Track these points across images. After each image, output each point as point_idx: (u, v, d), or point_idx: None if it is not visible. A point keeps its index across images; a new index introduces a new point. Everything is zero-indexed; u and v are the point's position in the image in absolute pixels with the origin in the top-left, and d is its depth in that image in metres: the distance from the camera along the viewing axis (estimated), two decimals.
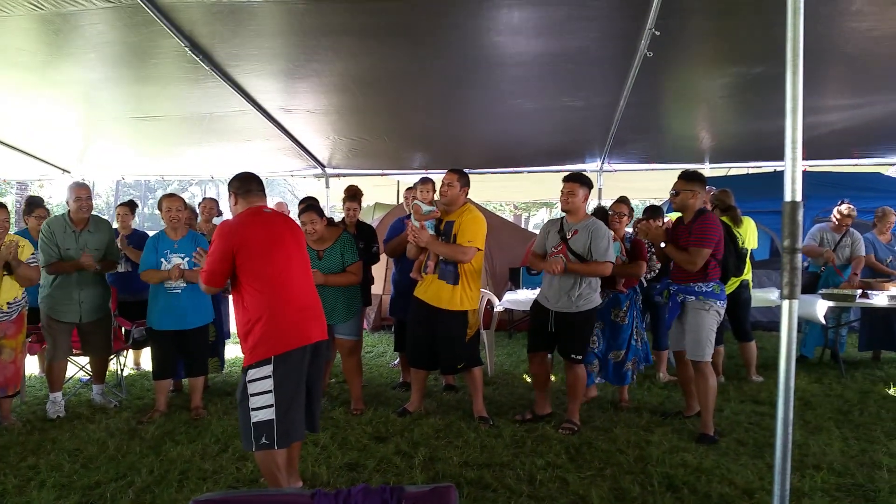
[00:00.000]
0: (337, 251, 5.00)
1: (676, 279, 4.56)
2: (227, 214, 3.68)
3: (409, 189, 6.28)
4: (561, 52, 4.66)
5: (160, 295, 4.98)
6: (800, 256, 2.38)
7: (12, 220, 4.81)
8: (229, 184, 3.47)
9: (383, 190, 10.52)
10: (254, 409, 3.11)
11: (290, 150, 7.21)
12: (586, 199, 4.69)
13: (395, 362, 6.85)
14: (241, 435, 3.24)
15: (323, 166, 7.87)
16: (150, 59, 4.79)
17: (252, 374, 3.13)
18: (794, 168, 2.37)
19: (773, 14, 3.19)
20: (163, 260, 4.97)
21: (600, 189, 7.49)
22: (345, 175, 8.13)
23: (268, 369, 3.13)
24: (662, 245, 4.64)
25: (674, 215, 5.20)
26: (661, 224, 5.22)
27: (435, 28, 4.36)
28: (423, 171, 7.87)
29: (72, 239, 5.07)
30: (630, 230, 5.41)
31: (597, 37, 4.52)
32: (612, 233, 5.00)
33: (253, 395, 3.12)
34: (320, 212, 4.98)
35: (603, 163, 7.37)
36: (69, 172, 7.94)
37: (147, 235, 6.44)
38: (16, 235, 4.91)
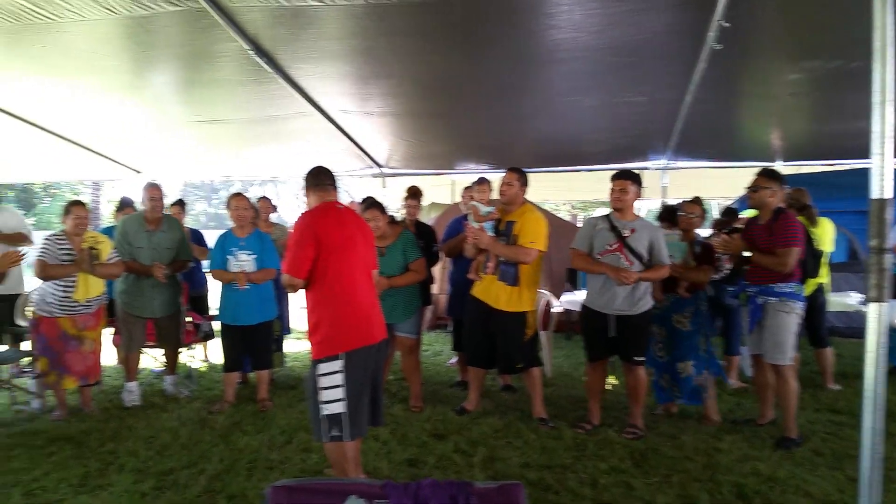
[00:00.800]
0: (399, 248, 5.04)
1: (754, 280, 4.39)
2: (284, 212, 3.79)
3: (466, 189, 6.28)
4: (622, 46, 4.55)
5: (229, 292, 5.14)
6: (889, 257, 2.27)
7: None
8: (305, 178, 3.53)
9: (439, 190, 10.56)
10: (324, 403, 3.16)
11: (348, 151, 7.29)
12: (637, 196, 4.59)
13: (453, 361, 6.87)
14: (311, 427, 3.30)
15: (380, 166, 7.95)
16: (216, 63, 4.89)
17: (323, 368, 3.18)
18: (881, 164, 2.26)
19: (856, 3, 3.04)
20: (229, 257, 5.12)
21: (664, 187, 7.31)
22: (401, 175, 8.19)
23: (338, 364, 3.18)
24: (747, 254, 4.46)
25: (749, 212, 5.03)
26: (735, 226, 5.02)
27: (495, 28, 4.33)
28: (479, 171, 7.87)
29: (145, 238, 5.27)
30: (702, 232, 5.13)
31: (661, 30, 4.40)
32: (680, 233, 4.89)
33: (323, 388, 3.17)
34: (383, 209, 5.03)
35: (668, 160, 7.19)
36: (140, 173, 8.25)
37: (200, 233, 6.69)
38: (95, 233, 5.14)
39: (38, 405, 5.14)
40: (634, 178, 4.55)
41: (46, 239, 4.87)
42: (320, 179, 3.49)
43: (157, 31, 4.29)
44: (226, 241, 5.19)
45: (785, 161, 7.20)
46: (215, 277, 5.21)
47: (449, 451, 4.16)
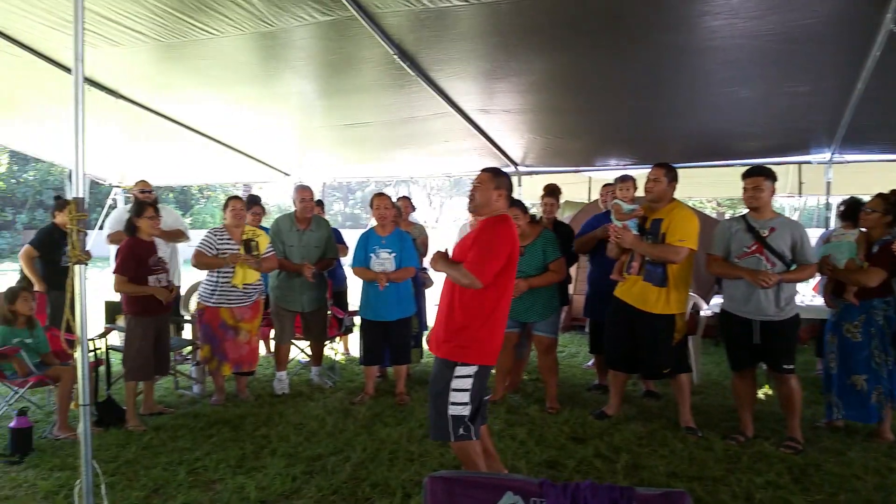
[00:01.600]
0: (539, 248, 4.98)
1: None
2: (422, 211, 3.81)
3: (605, 186, 6.10)
4: (784, 32, 4.20)
5: (370, 289, 5.31)
6: None
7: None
8: (500, 177, 3.37)
9: (575, 188, 10.30)
10: (453, 403, 3.16)
11: (484, 150, 7.31)
12: (773, 193, 4.28)
13: (590, 363, 6.70)
14: (432, 425, 3.28)
15: (516, 164, 7.90)
16: (360, 68, 5.05)
17: (459, 371, 3.17)
18: None
19: None
20: (371, 255, 5.29)
21: (829, 182, 6.71)
22: (537, 173, 8.10)
23: (472, 370, 3.18)
24: None
25: None
26: None
27: (643, 17, 4.15)
28: (619, 168, 7.62)
29: (296, 236, 5.58)
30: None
31: (828, 12, 4.02)
32: (857, 233, 4.46)
33: (455, 390, 3.16)
34: (524, 208, 5.00)
35: (833, 153, 6.58)
36: (289, 175, 8.74)
37: (339, 231, 6.96)
38: (254, 227, 5.52)
39: (198, 390, 5.58)
40: (768, 174, 4.24)
41: (208, 232, 5.30)
42: (510, 186, 3.40)
43: (306, 41, 4.49)
44: (368, 240, 5.38)
45: None
46: (357, 275, 5.41)
47: (589, 456, 4.06)
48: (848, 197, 5.12)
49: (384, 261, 5.27)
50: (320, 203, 7.11)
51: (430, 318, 6.93)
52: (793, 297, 4.23)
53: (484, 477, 1.70)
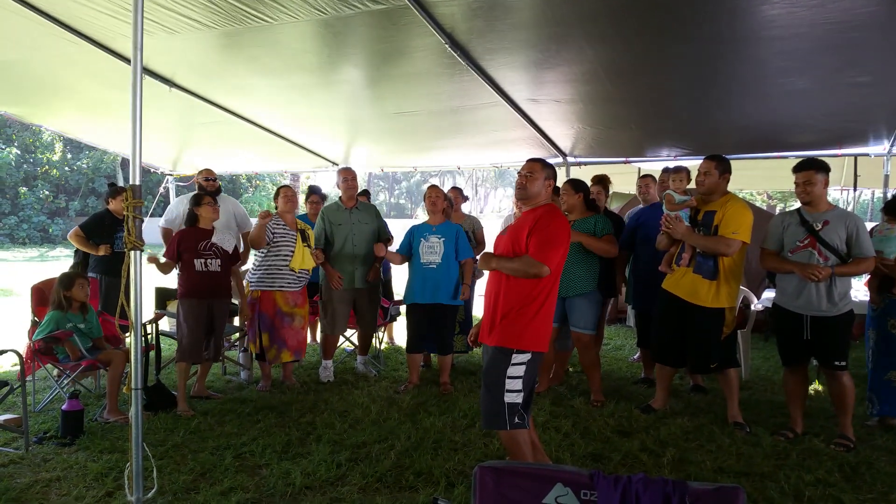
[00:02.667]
0: (589, 223, 5.02)
1: None
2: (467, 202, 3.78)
3: (642, 178, 6.03)
4: (845, 20, 4.05)
5: (416, 272, 5.37)
6: None
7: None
8: (549, 168, 3.39)
9: (623, 178, 10.13)
10: (508, 391, 3.14)
11: (533, 140, 7.24)
12: (826, 185, 4.16)
13: (635, 356, 6.62)
14: (485, 414, 3.24)
15: (564, 155, 7.81)
16: (411, 57, 5.05)
17: (516, 358, 3.15)
18: None
19: None
20: (422, 239, 5.36)
21: (887, 176, 6.47)
22: (586, 164, 7.99)
23: (526, 357, 3.16)
24: None
25: None
26: None
27: (698, 5, 4.05)
28: (669, 159, 7.46)
29: (344, 215, 5.69)
30: None
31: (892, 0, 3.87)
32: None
33: (510, 377, 3.15)
34: (577, 186, 5.14)
35: (892, 145, 6.33)
36: (337, 165, 8.82)
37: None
38: (302, 222, 5.58)
39: (245, 376, 5.69)
40: (820, 167, 4.12)
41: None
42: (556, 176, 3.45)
43: (359, 29, 4.51)
44: (419, 228, 5.48)
45: None
46: (389, 258, 5.56)
47: (635, 450, 4.01)
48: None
49: (433, 244, 5.30)
50: (366, 193, 7.15)
51: (477, 309, 7.02)
52: (847, 293, 4.10)
53: (534, 468, 1.69)
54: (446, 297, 5.34)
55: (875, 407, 4.48)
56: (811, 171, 4.10)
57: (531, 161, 3.39)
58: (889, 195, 6.11)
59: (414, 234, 5.43)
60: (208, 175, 6.18)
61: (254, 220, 5.85)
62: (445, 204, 5.53)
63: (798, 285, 4.13)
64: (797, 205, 4.37)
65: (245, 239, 6.38)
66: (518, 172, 3.43)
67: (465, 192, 6.91)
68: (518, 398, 3.15)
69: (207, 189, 5.81)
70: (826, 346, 4.11)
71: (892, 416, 4.46)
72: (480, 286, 6.17)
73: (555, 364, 5.61)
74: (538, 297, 3.18)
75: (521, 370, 3.16)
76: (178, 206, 6.50)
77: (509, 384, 3.15)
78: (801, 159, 4.26)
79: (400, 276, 7.73)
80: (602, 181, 5.75)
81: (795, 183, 4.19)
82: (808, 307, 4.10)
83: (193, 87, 5.97)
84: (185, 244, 4.89)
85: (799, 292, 4.13)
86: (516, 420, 3.15)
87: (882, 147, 6.46)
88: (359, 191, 7.11)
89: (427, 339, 5.49)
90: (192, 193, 5.82)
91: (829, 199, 4.97)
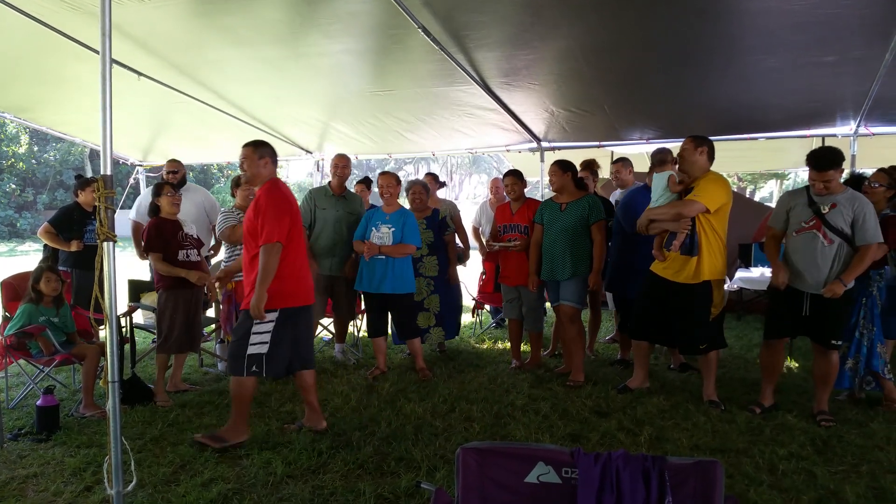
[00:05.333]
0: (583, 206, 5.07)
1: None
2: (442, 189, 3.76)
3: (615, 162, 6.10)
4: (813, 2, 4.12)
5: (364, 262, 5.38)
6: None
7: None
8: (263, 146, 3.97)
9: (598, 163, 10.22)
10: (252, 344, 3.76)
11: (507, 125, 7.24)
12: (842, 173, 4.15)
13: (608, 338, 6.73)
14: (229, 358, 3.97)
15: (539, 140, 7.83)
16: (388, 33, 4.92)
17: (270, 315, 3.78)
18: None
19: None
20: (373, 229, 5.35)
21: (853, 156, 6.58)
22: (560, 148, 8.01)
23: (274, 315, 3.78)
24: None
25: None
26: None
27: None
28: (642, 142, 7.53)
29: (331, 201, 5.69)
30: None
31: None
32: None
33: (256, 332, 3.78)
34: (565, 167, 5.20)
35: (858, 126, 6.46)
36: (311, 153, 8.74)
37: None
38: None
39: (222, 367, 5.63)
40: (834, 164, 4.02)
41: (225, 211, 5.41)
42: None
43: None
44: (373, 216, 5.44)
45: None
46: (354, 247, 5.48)
47: (613, 429, 4.07)
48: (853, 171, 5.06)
49: (383, 235, 5.29)
50: (368, 181, 7.05)
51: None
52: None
53: (516, 447, 1.71)
54: (391, 287, 5.30)
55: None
56: (829, 172, 4.02)
57: (243, 147, 3.90)
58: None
59: (369, 221, 5.42)
60: (171, 167, 6.11)
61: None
62: (398, 189, 5.53)
63: (805, 265, 4.14)
64: (768, 186, 4.42)
65: (214, 231, 6.35)
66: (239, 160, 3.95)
67: (441, 178, 6.90)
68: (262, 349, 3.74)
69: (169, 181, 5.73)
70: (824, 325, 4.15)
71: (835, 387, 4.47)
72: (463, 274, 6.24)
73: (531, 347, 5.67)
74: (284, 266, 3.76)
75: (269, 326, 3.75)
76: (148, 198, 6.41)
77: (254, 338, 3.74)
78: (818, 154, 4.12)
79: None
80: (590, 166, 5.79)
81: (813, 183, 4.12)
82: (810, 284, 4.14)
83: (166, 63, 5.73)
84: (166, 235, 4.81)
85: (799, 274, 4.17)
86: (253, 368, 3.74)
87: (849, 127, 6.58)
88: (360, 178, 7.05)
89: (384, 326, 5.54)
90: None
91: (799, 179, 5.04)
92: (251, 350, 3.73)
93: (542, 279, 5.27)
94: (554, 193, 5.31)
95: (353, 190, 6.37)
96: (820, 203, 4.12)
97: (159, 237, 4.78)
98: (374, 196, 6.48)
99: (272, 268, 3.69)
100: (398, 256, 5.27)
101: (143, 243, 4.89)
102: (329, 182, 5.85)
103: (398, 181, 5.55)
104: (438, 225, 5.89)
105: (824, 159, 4.05)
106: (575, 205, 5.11)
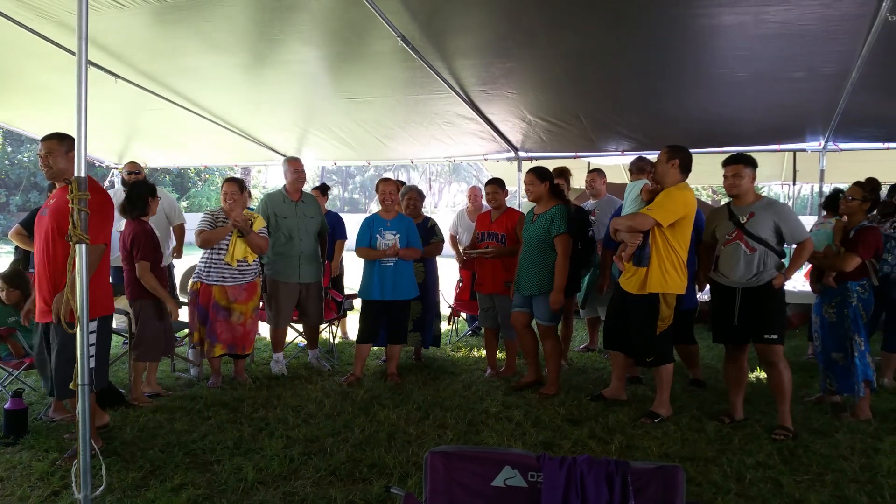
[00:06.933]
0: (546, 218, 5.02)
1: None
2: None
3: (590, 172, 6.19)
4: (783, 19, 4.23)
5: (372, 269, 5.39)
6: None
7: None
8: (67, 139, 3.64)
9: (575, 173, 10.31)
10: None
11: (485, 134, 7.30)
12: (753, 179, 4.32)
13: (582, 346, 6.80)
14: (60, 384, 3.67)
15: (516, 150, 7.90)
16: (363, 39, 4.95)
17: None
18: None
19: None
20: (377, 236, 5.36)
21: (822, 171, 6.74)
22: (537, 158, 8.09)
23: (94, 325, 3.60)
24: None
25: None
26: None
27: None
28: (617, 154, 7.64)
29: (290, 208, 5.65)
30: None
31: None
32: (835, 221, 4.58)
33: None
34: (542, 176, 5.16)
35: (827, 142, 6.61)
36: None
37: (339, 216, 6.95)
38: (251, 211, 5.51)
39: (195, 373, 5.59)
40: (748, 161, 4.29)
41: (206, 212, 5.35)
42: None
43: (313, 4, 4.41)
44: (373, 223, 5.44)
45: None
46: (361, 255, 5.44)
47: (584, 437, 4.11)
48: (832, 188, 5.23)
49: (390, 241, 5.32)
50: (324, 188, 7.07)
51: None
52: (769, 266, 4.20)
53: (483, 451, 1.73)
54: (399, 294, 5.39)
55: (834, 384, 4.62)
56: (739, 165, 4.25)
57: (47, 140, 3.68)
58: (826, 190, 6.39)
59: (371, 229, 5.43)
60: (131, 168, 6.07)
61: (197, 215, 5.73)
62: (398, 197, 5.55)
63: (733, 273, 4.26)
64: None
65: (177, 232, 6.31)
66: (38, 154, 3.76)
67: (420, 186, 6.95)
68: (93, 363, 3.52)
69: (130, 182, 5.70)
70: (756, 318, 4.21)
71: (848, 392, 4.55)
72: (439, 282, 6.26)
73: (507, 355, 5.70)
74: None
75: (93, 338, 3.55)
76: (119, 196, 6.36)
77: (91, 350, 3.50)
78: (729, 154, 4.44)
79: (350, 270, 7.74)
80: (563, 174, 5.85)
81: (724, 176, 4.34)
82: (736, 279, 4.27)
83: (143, 70, 5.76)
84: (155, 243, 4.80)
85: (728, 270, 4.29)
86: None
87: (818, 143, 6.73)
88: (315, 185, 7.08)
89: (377, 333, 5.53)
90: (114, 190, 5.68)
91: (772, 193, 5.16)
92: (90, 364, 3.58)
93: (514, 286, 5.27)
94: (531, 203, 5.32)
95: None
96: (738, 214, 4.26)
97: (153, 247, 4.73)
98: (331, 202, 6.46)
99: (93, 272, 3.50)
100: (410, 259, 5.38)
101: (131, 250, 4.68)
102: (284, 186, 5.77)
103: (398, 188, 5.58)
104: (427, 232, 5.90)
105: (732, 157, 4.35)
106: (542, 216, 5.07)
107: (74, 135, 2.57)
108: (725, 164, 4.34)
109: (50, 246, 3.63)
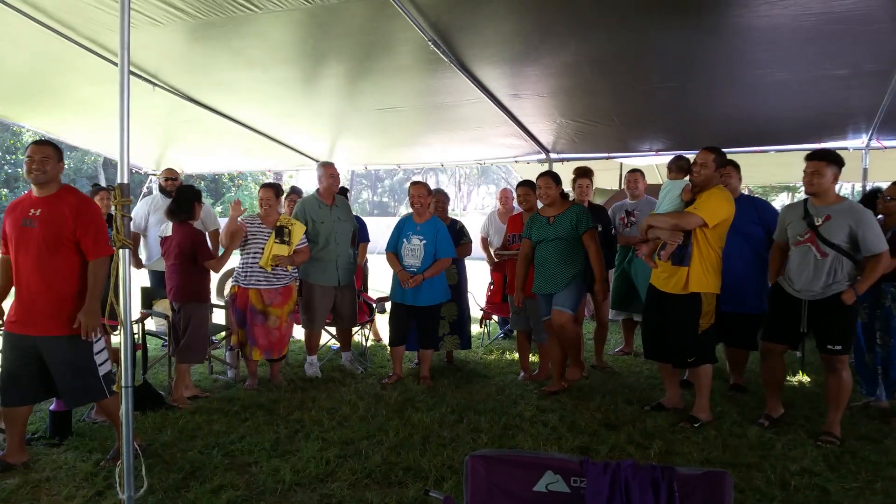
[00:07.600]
0: (569, 217, 5.02)
1: None
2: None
3: (630, 172, 6.10)
4: (825, 12, 4.12)
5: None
6: None
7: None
8: (57, 149, 3.62)
9: (606, 175, 10.22)
10: (100, 365, 3.67)
11: (515, 136, 7.26)
12: (836, 178, 4.10)
13: (618, 349, 6.73)
14: (78, 393, 3.65)
15: (547, 151, 7.83)
16: (394, 51, 5.00)
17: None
18: None
19: None
20: (404, 240, 5.37)
21: (865, 169, 6.55)
22: (568, 159, 8.02)
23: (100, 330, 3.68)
24: None
25: None
26: None
27: None
28: (650, 154, 7.53)
29: (325, 212, 5.70)
30: None
31: None
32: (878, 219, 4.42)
33: (97, 352, 3.66)
34: (556, 179, 5.20)
35: (870, 139, 6.43)
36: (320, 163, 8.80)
37: (363, 221, 6.97)
38: (289, 217, 5.55)
39: (231, 375, 5.67)
40: (831, 159, 4.07)
41: (241, 219, 5.36)
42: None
43: (343, 19, 4.43)
44: (404, 225, 5.46)
45: None
46: (388, 261, 5.47)
47: (622, 442, 4.06)
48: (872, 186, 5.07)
49: (415, 247, 5.33)
50: (344, 191, 7.11)
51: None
52: (843, 277, 4.03)
53: (524, 455, 1.72)
54: (430, 299, 5.39)
55: (863, 389, 4.60)
56: (822, 163, 4.03)
57: (37, 145, 3.59)
58: (868, 188, 6.22)
59: (400, 232, 5.46)
60: (168, 174, 6.15)
61: (223, 220, 5.82)
62: (430, 200, 5.56)
63: (799, 267, 4.13)
64: (779, 199, 4.42)
65: (212, 237, 6.39)
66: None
67: (449, 189, 6.93)
68: (108, 367, 3.68)
69: (167, 189, 5.78)
70: (821, 330, 4.09)
71: (871, 395, 4.57)
72: (471, 285, 6.26)
73: (540, 358, 5.66)
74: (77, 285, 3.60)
75: (102, 344, 3.66)
76: (144, 207, 6.51)
77: (98, 358, 3.63)
78: (811, 150, 4.21)
79: (376, 272, 7.76)
80: (587, 173, 5.80)
81: (804, 172, 4.13)
82: (804, 290, 4.12)
83: (178, 84, 5.91)
84: (207, 242, 5.01)
85: (800, 283, 4.13)
86: (113, 388, 3.59)
87: (860, 140, 6.55)
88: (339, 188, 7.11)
89: (408, 335, 5.56)
90: (152, 196, 5.76)
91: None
92: (102, 371, 3.64)
93: (535, 293, 5.21)
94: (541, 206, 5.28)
95: (283, 203, 6.45)
96: (814, 215, 4.09)
97: (209, 248, 5.00)
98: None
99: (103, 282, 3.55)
100: (435, 275, 5.37)
101: (190, 254, 4.84)
102: (317, 191, 5.83)
103: (429, 192, 5.60)
104: (456, 234, 5.91)
105: (815, 153, 4.11)
106: (563, 216, 5.05)
107: (117, 142, 2.62)
108: (807, 159, 4.13)
109: (45, 257, 3.50)
